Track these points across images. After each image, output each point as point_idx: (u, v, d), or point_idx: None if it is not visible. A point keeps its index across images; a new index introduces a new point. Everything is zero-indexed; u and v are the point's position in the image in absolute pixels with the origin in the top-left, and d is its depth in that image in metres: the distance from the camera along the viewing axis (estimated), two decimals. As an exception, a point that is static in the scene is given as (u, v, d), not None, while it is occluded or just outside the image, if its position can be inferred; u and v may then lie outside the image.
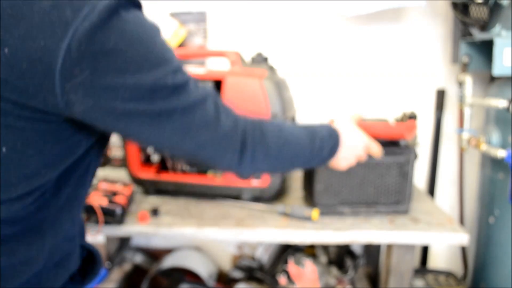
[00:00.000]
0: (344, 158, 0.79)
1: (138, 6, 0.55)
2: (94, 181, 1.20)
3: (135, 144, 0.61)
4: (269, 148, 0.66)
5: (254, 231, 0.97)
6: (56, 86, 0.48)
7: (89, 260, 0.72)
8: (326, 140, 0.74)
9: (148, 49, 0.53)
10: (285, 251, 1.58)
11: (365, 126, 0.92)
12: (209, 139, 0.60)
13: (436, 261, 1.73)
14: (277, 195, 1.14)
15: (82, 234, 0.70)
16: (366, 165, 1.01)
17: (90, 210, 0.94)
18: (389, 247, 1.03)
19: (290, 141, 0.69)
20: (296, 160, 0.72)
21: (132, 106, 0.53)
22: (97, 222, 0.94)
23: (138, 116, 0.54)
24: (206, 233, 0.97)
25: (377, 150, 0.87)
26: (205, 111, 0.59)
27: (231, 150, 0.62)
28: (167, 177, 1.14)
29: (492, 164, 1.31)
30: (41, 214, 0.56)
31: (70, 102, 0.50)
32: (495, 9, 1.23)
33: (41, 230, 0.57)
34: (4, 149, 0.51)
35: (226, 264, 1.79)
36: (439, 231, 0.96)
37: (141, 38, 0.53)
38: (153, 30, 0.55)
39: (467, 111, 1.32)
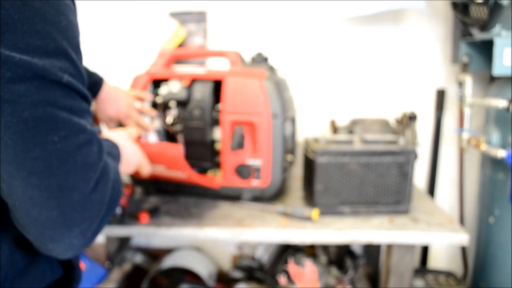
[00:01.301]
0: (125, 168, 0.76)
1: None
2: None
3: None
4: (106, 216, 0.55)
5: (254, 231, 0.97)
6: None
7: (69, 269, 0.65)
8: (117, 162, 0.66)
9: (50, 32, 0.46)
10: (285, 251, 1.58)
11: (140, 144, 0.93)
12: (81, 218, 0.49)
13: (436, 261, 1.73)
14: (277, 195, 1.14)
15: None
16: (366, 165, 1.01)
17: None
18: (389, 247, 1.03)
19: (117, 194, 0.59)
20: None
21: (11, 89, 0.43)
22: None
23: (12, 106, 0.43)
24: (206, 233, 0.97)
25: (147, 169, 0.86)
26: (90, 148, 0.50)
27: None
28: (167, 177, 1.14)
29: (492, 164, 1.31)
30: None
31: None
32: (495, 9, 1.23)
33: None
34: None
35: (226, 264, 1.79)
36: (439, 231, 0.96)
37: (44, 14, 0.45)
38: (61, 11, 0.48)
39: (467, 111, 1.32)
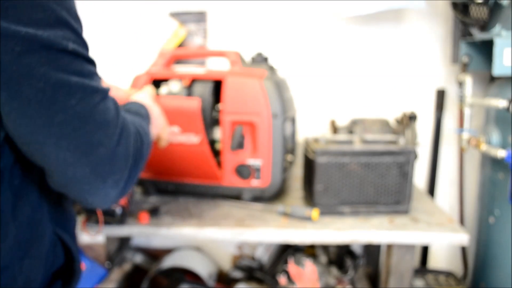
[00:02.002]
0: (157, 131, 0.82)
1: None
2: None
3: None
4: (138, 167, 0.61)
5: (254, 231, 0.97)
6: None
7: (69, 260, 0.66)
8: (147, 124, 0.72)
9: (49, 4, 0.48)
10: (285, 251, 1.58)
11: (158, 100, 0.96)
12: (110, 171, 0.54)
13: (436, 261, 1.73)
14: (277, 195, 1.14)
15: (58, 223, 0.63)
16: (366, 165, 1.01)
17: (90, 210, 0.94)
18: (389, 247, 1.03)
19: (145, 146, 0.64)
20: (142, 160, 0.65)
21: (24, 61, 0.46)
22: (97, 222, 0.94)
23: (29, 79, 0.46)
24: (206, 233, 0.97)
25: (167, 135, 0.89)
26: (106, 105, 0.54)
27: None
28: (167, 177, 1.14)
29: (492, 164, 1.31)
30: None
31: None
32: (495, 9, 1.23)
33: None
34: None
35: (226, 264, 1.79)
36: (439, 231, 0.96)
37: None
38: None
39: (467, 111, 1.32)
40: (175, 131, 1.01)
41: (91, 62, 0.54)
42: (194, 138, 1.02)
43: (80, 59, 0.51)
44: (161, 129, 0.86)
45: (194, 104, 0.98)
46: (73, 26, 0.51)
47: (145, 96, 0.85)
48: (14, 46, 0.45)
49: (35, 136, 0.49)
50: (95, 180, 0.53)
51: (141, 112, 0.72)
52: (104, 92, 0.54)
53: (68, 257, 0.66)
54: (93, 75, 0.54)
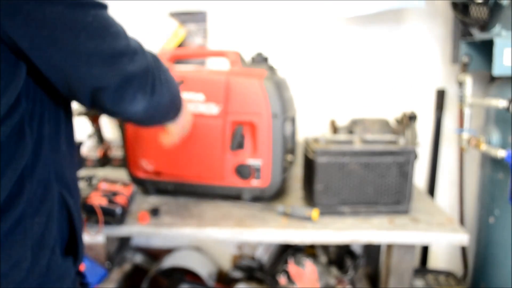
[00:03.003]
0: (181, 123, 0.86)
1: None
2: (94, 181, 1.20)
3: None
4: (163, 88, 0.68)
5: (254, 231, 0.97)
6: None
7: (73, 231, 0.68)
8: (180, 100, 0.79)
9: None
10: (285, 251, 1.58)
11: None
12: (134, 71, 0.61)
13: (436, 261, 1.73)
14: (277, 195, 1.14)
15: (64, 185, 0.66)
16: (366, 165, 1.01)
17: (90, 210, 0.94)
18: (389, 247, 1.03)
19: (174, 88, 0.73)
20: (170, 106, 0.74)
21: None
22: (97, 222, 0.94)
23: (48, 5, 0.51)
24: (206, 233, 0.97)
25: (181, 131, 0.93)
26: (112, 18, 0.61)
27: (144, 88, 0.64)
28: (167, 177, 1.14)
29: (492, 164, 1.31)
30: (13, 149, 0.54)
31: None
32: (495, 9, 1.23)
33: (16, 169, 0.55)
34: None
35: (226, 264, 1.79)
36: (439, 231, 0.96)
37: None
38: None
39: (467, 111, 1.32)
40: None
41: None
42: (214, 108, 1.04)
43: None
44: (188, 121, 0.90)
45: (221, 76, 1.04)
46: None
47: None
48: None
49: (66, 60, 0.54)
50: (125, 86, 0.60)
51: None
52: (106, 6, 0.60)
53: (72, 227, 0.67)
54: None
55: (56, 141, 0.63)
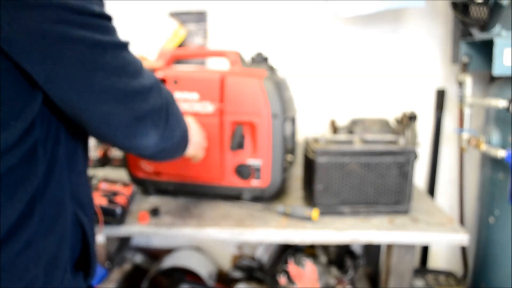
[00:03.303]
0: (194, 145, 0.87)
1: None
2: (94, 181, 1.20)
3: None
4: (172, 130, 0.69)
5: (254, 231, 0.97)
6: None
7: (86, 247, 0.68)
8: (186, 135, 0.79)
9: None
10: (285, 251, 1.58)
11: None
12: (147, 109, 0.61)
13: (436, 261, 1.73)
14: (277, 195, 1.14)
15: (78, 204, 0.66)
16: (366, 165, 1.01)
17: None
18: (389, 247, 1.03)
19: (183, 130, 0.74)
20: (177, 146, 0.75)
21: (61, 28, 0.50)
22: (97, 222, 0.94)
23: (68, 44, 0.51)
24: (206, 233, 0.97)
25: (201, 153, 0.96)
26: (132, 56, 0.61)
27: (157, 126, 0.65)
28: (167, 177, 1.14)
29: (492, 164, 1.31)
30: (25, 170, 0.54)
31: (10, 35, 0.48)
32: (495, 9, 1.23)
33: (27, 191, 0.55)
34: None
35: (226, 264, 1.79)
36: (439, 231, 0.96)
37: None
38: None
39: (467, 111, 1.32)
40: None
41: (110, 19, 0.59)
42: (209, 107, 1.04)
43: (104, 19, 0.56)
44: (200, 144, 0.91)
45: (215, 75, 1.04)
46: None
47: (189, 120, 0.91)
48: (50, 15, 0.49)
49: (80, 96, 0.55)
50: (137, 123, 0.61)
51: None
52: (127, 45, 0.60)
53: (85, 244, 0.67)
54: (115, 30, 0.59)
55: (74, 161, 0.64)
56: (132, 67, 0.60)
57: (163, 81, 0.62)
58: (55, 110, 0.58)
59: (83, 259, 0.67)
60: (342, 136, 1.12)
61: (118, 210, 0.96)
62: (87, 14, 0.53)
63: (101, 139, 0.63)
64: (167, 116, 0.66)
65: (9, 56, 0.50)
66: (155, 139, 0.65)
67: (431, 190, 1.64)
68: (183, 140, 0.77)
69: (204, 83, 1.04)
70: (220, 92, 1.04)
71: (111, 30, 0.57)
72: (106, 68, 0.55)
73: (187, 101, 1.05)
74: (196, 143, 0.89)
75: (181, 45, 1.64)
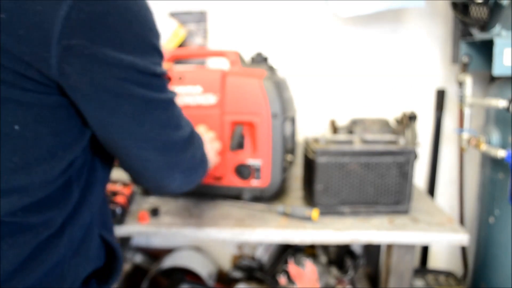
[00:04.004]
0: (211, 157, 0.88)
1: None
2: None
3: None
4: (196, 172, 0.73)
5: (254, 231, 0.97)
6: (52, 55, 0.47)
7: (111, 259, 0.71)
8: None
9: (145, 33, 0.55)
10: (285, 251, 1.58)
11: None
12: (180, 159, 0.65)
13: (436, 261, 1.73)
14: (277, 195, 1.14)
15: (103, 224, 0.69)
16: (366, 165, 1.01)
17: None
18: (389, 247, 1.03)
19: (203, 164, 0.76)
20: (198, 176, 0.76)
21: (125, 85, 0.53)
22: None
23: (127, 100, 0.54)
24: (206, 233, 0.97)
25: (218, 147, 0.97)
26: (177, 111, 0.64)
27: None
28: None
29: (492, 164, 1.31)
30: (61, 196, 0.57)
31: (64, 74, 0.49)
32: (495, 9, 1.23)
33: (61, 215, 0.57)
34: (17, 127, 0.50)
35: (226, 264, 1.79)
36: (439, 231, 0.96)
37: (140, 18, 0.54)
38: (149, 12, 0.57)
39: (467, 111, 1.32)
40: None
41: (165, 74, 0.62)
42: (212, 98, 1.05)
43: (162, 78, 0.60)
44: (213, 159, 0.92)
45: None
46: (160, 51, 0.59)
47: (203, 131, 0.93)
48: (118, 72, 0.52)
49: (125, 142, 0.59)
50: (168, 169, 0.64)
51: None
52: (175, 97, 0.64)
53: (110, 257, 0.70)
54: (167, 85, 0.62)
55: (103, 187, 0.67)
56: (175, 120, 0.63)
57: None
58: (95, 143, 0.61)
59: (107, 271, 0.69)
60: (342, 136, 1.12)
61: (118, 210, 0.96)
62: (149, 74, 0.56)
63: (129, 172, 0.66)
64: (194, 164, 0.70)
65: (68, 95, 0.52)
66: (180, 183, 0.68)
67: (431, 190, 1.64)
68: (204, 174, 0.78)
69: (207, 76, 1.06)
70: (221, 84, 1.05)
71: (165, 87, 0.61)
72: (154, 121, 0.59)
73: (191, 95, 1.06)
74: (212, 158, 0.89)
75: (181, 45, 1.64)
